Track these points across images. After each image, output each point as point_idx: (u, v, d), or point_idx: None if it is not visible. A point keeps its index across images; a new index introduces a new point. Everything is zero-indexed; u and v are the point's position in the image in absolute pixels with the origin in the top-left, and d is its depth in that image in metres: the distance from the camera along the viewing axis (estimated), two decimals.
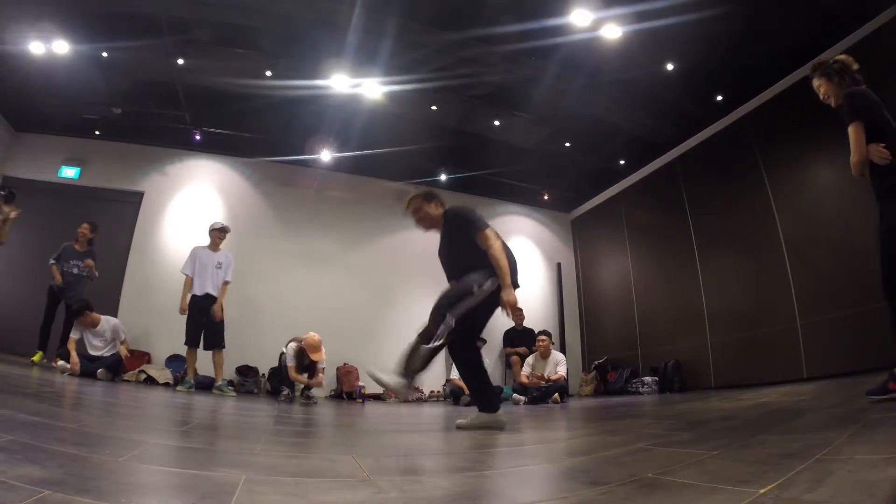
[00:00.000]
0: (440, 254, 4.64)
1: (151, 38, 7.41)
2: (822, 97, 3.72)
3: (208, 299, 7.61)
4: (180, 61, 7.95)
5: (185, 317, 7.56)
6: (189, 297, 7.60)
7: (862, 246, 5.80)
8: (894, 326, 3.24)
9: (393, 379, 3.80)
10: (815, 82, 3.73)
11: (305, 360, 7.77)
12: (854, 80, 3.56)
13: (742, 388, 6.98)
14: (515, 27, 7.08)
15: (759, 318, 7.73)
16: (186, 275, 7.67)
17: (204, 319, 7.56)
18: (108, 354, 7.45)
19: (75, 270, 7.68)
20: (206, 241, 7.91)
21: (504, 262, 4.04)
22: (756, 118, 8.17)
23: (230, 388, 7.88)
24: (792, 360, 7.08)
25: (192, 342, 7.50)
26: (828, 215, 6.91)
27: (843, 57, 3.64)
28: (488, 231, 4.17)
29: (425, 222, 4.64)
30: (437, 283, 10.91)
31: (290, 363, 7.64)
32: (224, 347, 7.68)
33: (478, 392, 4.23)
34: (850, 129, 3.38)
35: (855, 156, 3.36)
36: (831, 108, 3.68)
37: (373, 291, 10.77)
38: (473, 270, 4.06)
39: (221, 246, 7.99)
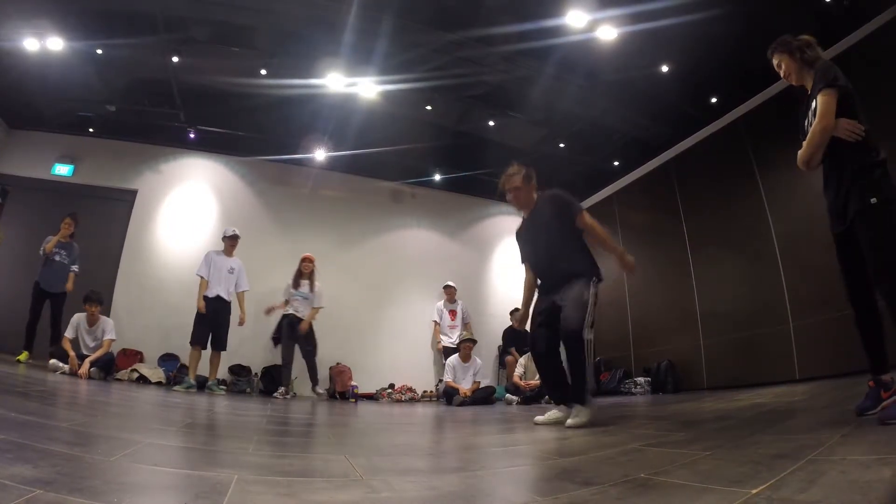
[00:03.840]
0: (525, 236, 4.77)
1: (147, 36, 7.38)
2: (783, 75, 3.50)
3: (219, 301, 7.94)
4: (175, 59, 7.90)
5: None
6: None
7: None
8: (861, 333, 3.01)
9: (586, 414, 3.94)
10: (776, 59, 3.51)
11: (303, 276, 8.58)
12: (817, 58, 3.29)
13: (735, 389, 6.99)
14: (511, 28, 7.09)
15: (751, 319, 7.74)
16: (201, 277, 7.97)
17: (213, 320, 7.84)
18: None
19: (57, 258, 7.70)
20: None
21: (607, 234, 4.57)
22: (750, 120, 8.17)
23: (220, 387, 8.01)
24: (784, 360, 7.09)
25: (198, 341, 7.75)
26: (821, 217, 6.89)
27: (806, 36, 3.40)
28: (586, 212, 4.53)
29: (520, 201, 4.69)
30: (431, 284, 10.95)
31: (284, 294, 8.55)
32: (225, 349, 7.98)
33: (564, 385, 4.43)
34: (821, 97, 3.01)
35: (820, 123, 3.00)
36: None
37: (366, 291, 10.77)
38: (570, 263, 4.39)
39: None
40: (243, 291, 8.21)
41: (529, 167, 4.66)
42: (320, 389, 7.98)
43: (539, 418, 4.24)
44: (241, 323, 8.05)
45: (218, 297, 7.92)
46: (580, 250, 4.46)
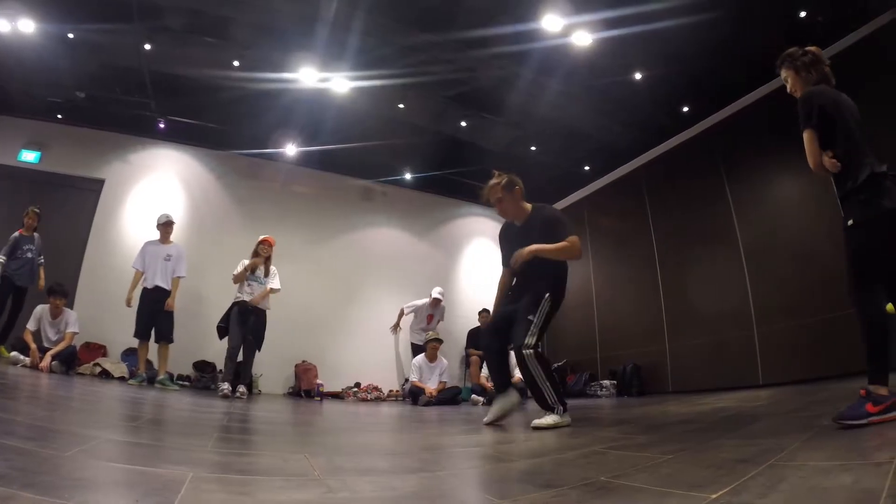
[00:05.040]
0: (509, 243, 4.70)
1: (120, 22, 7.25)
2: (788, 89, 3.54)
3: (158, 291, 7.68)
4: (148, 47, 7.80)
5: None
6: (138, 290, 7.71)
7: (819, 258, 5.96)
8: (866, 328, 2.91)
9: (553, 419, 3.96)
10: (783, 73, 3.54)
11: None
12: (823, 76, 3.36)
13: (699, 393, 7.07)
14: (487, 30, 7.10)
15: (717, 325, 7.85)
16: (136, 269, 7.78)
17: (153, 312, 7.63)
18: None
19: (29, 255, 7.54)
20: (171, 235, 8.07)
21: (566, 254, 4.34)
22: (721, 130, 8.30)
23: (173, 383, 7.87)
24: (748, 366, 7.20)
25: (140, 335, 7.57)
26: (786, 227, 7.06)
27: (814, 49, 3.44)
28: (576, 237, 4.40)
29: (507, 212, 4.67)
30: (400, 283, 10.89)
31: (238, 269, 7.72)
32: (172, 341, 7.70)
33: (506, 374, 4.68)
34: (804, 136, 3.20)
35: (810, 163, 3.18)
36: (794, 119, 3.37)
37: (334, 289, 10.73)
38: (540, 281, 4.34)
39: (172, 238, 8.14)
40: (178, 278, 7.88)
41: (512, 174, 4.62)
42: (243, 389, 7.31)
43: (487, 419, 4.29)
44: (167, 308, 7.69)
45: (157, 288, 7.67)
46: (554, 271, 4.43)
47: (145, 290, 7.66)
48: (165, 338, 7.63)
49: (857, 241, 3.00)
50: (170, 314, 7.70)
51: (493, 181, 4.59)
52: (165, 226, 8.05)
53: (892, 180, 2.98)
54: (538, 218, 4.54)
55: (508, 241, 4.69)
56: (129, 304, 7.59)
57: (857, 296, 2.94)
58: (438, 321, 10.38)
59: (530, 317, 4.15)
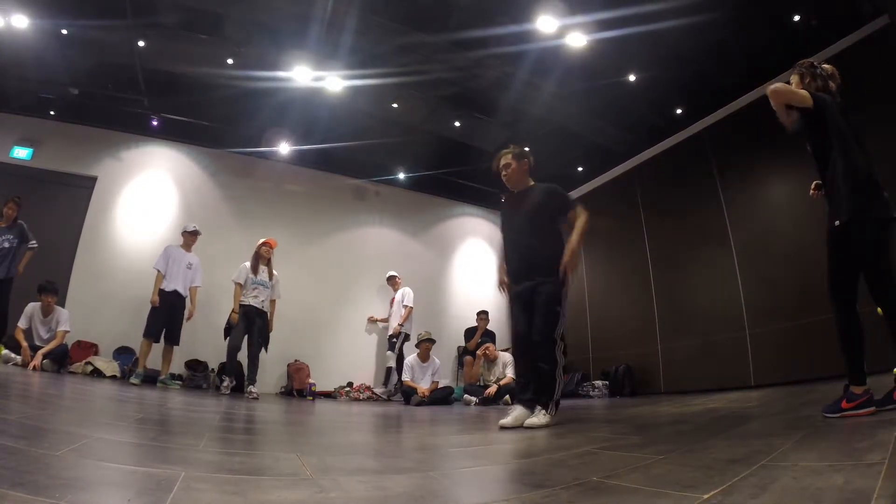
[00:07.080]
0: (508, 214, 4.75)
1: (114, 19, 7.23)
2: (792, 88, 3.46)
3: (176, 296, 7.90)
4: (142, 44, 7.78)
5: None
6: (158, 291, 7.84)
7: (810, 259, 5.96)
8: (840, 335, 3.12)
9: (547, 418, 3.95)
10: (792, 78, 3.57)
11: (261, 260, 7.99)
12: (824, 88, 3.39)
13: (691, 394, 7.10)
14: (482, 30, 7.11)
15: (709, 326, 7.88)
16: (158, 270, 7.90)
17: (170, 315, 7.82)
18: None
19: (6, 245, 7.47)
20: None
21: (583, 230, 4.33)
22: (714, 133, 8.33)
23: (175, 382, 7.99)
24: (740, 367, 7.23)
25: (151, 334, 7.68)
26: (779, 229, 7.08)
27: (829, 67, 3.48)
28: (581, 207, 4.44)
29: (511, 179, 4.69)
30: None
31: (240, 278, 7.85)
32: (178, 344, 7.94)
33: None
34: (798, 92, 3.28)
35: (779, 86, 3.29)
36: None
37: (327, 288, 10.71)
38: (545, 259, 4.28)
39: (172, 240, 8.39)
40: (196, 287, 8.21)
41: (525, 148, 4.72)
42: (255, 390, 7.34)
43: (504, 421, 4.21)
44: (189, 317, 8.06)
45: (175, 292, 7.88)
46: (557, 248, 4.38)
47: (164, 292, 7.80)
48: (174, 341, 7.87)
49: (837, 243, 3.17)
50: (181, 319, 7.97)
51: (505, 150, 4.69)
52: (193, 234, 8.31)
53: (874, 186, 3.11)
54: (540, 191, 4.58)
55: (509, 207, 4.74)
56: (156, 304, 7.71)
57: (833, 300, 3.14)
58: (405, 304, 10.01)
59: (558, 307, 4.13)
